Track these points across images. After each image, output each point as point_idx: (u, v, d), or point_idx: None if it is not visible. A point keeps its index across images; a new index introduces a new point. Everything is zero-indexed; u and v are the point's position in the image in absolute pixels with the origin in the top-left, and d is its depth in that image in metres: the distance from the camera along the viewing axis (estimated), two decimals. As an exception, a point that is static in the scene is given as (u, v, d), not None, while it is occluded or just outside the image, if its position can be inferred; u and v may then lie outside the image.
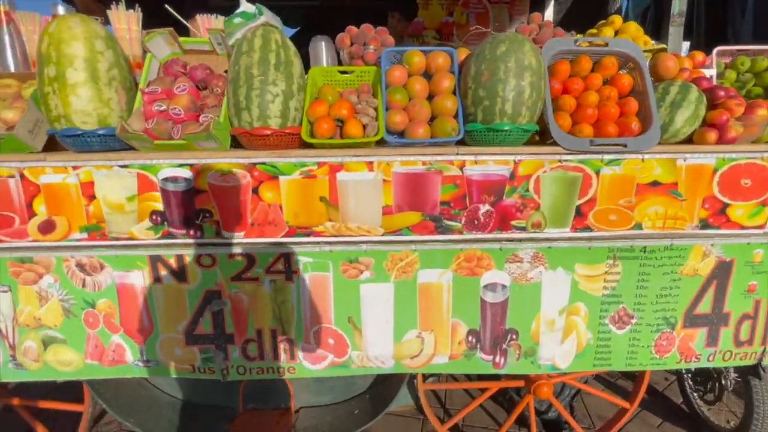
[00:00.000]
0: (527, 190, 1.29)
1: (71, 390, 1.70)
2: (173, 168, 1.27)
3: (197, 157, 1.26)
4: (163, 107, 1.29)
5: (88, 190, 1.29)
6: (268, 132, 1.20)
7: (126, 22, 1.46)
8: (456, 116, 1.30)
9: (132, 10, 1.47)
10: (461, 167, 1.26)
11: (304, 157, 1.25)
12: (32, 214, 1.31)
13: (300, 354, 1.42)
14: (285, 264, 1.34)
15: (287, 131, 1.22)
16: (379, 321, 1.38)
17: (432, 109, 1.30)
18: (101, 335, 1.41)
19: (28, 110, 1.28)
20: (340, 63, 1.57)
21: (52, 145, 1.34)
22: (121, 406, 1.64)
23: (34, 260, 1.34)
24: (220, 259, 1.34)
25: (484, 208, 1.29)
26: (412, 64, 1.33)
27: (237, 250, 1.32)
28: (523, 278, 1.35)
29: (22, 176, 1.28)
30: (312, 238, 1.32)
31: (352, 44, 1.46)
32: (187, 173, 1.27)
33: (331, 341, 1.40)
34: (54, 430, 1.81)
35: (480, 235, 1.32)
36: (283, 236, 1.32)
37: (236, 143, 1.33)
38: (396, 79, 1.33)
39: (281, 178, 1.26)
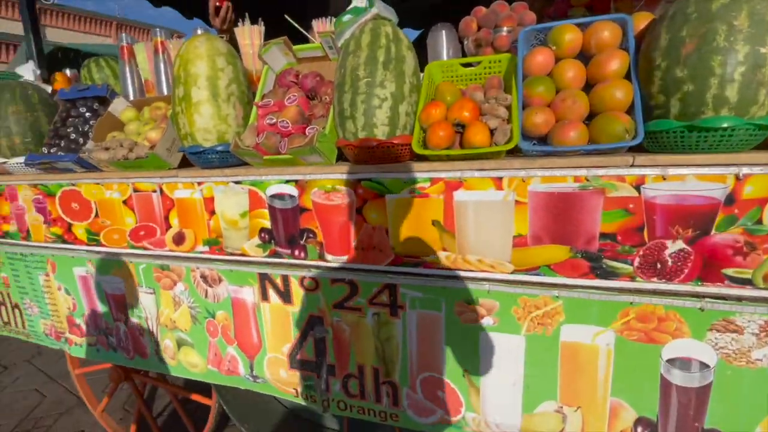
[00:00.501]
0: (758, 222, 0.81)
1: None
2: (280, 184, 1.19)
3: (302, 173, 1.16)
4: (273, 120, 1.23)
5: (209, 206, 1.32)
6: (373, 143, 1.02)
7: (249, 37, 1.47)
8: (630, 111, 0.90)
9: (255, 25, 1.48)
10: (637, 185, 0.86)
11: (414, 171, 1.03)
12: (168, 226, 1.41)
13: (404, 401, 1.21)
14: (390, 296, 1.14)
15: (394, 141, 1.02)
16: (504, 381, 1.07)
17: (591, 103, 0.93)
18: (219, 345, 1.45)
19: (167, 130, 1.38)
20: (464, 55, 1.30)
21: (187, 161, 1.43)
22: (239, 409, 1.71)
23: (170, 268, 1.45)
24: (323, 283, 1.22)
25: (674, 245, 0.86)
26: (562, 43, 0.98)
27: (339, 275, 1.19)
28: (742, 358, 0.87)
29: (161, 191, 1.39)
30: (422, 270, 1.09)
31: (479, 29, 1.18)
32: (292, 190, 1.18)
33: (441, 394, 1.15)
34: (194, 417, 2.01)
35: (666, 286, 0.89)
36: (388, 264, 1.12)
37: (343, 157, 1.19)
38: (538, 66, 1.00)
39: (387, 197, 1.07)
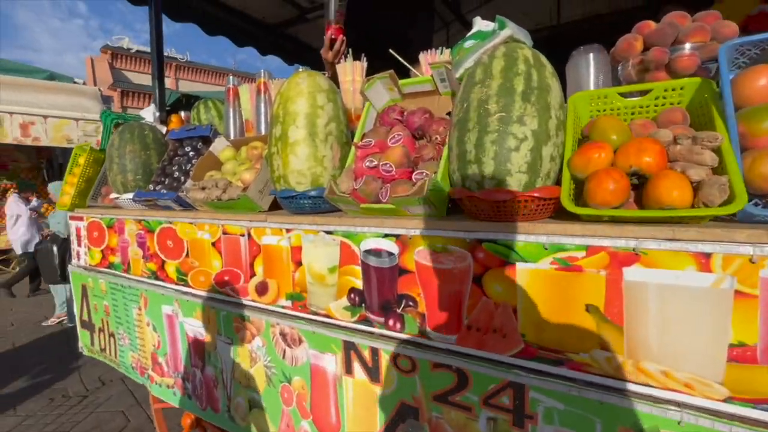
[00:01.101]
0: None
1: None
2: (377, 238, 1.00)
3: (405, 227, 0.95)
4: (374, 163, 1.06)
5: (296, 256, 1.17)
6: (508, 196, 0.77)
7: (351, 73, 1.36)
8: None
9: (357, 61, 1.37)
10: None
11: (562, 235, 0.75)
12: (252, 273, 1.30)
13: None
14: (514, 399, 0.84)
15: (537, 194, 0.76)
16: None
17: None
18: (293, 416, 1.25)
19: (261, 171, 1.29)
20: (617, 84, 1.01)
21: (279, 205, 1.33)
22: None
23: (250, 319, 1.32)
24: (421, 365, 0.96)
25: None
26: (806, 58, 0.65)
27: (444, 359, 0.92)
28: None
29: (249, 235, 1.29)
30: (566, 371, 0.78)
31: (646, 49, 0.89)
32: (392, 246, 0.98)
33: None
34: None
35: None
36: (514, 355, 0.83)
37: (456, 208, 0.96)
38: (760, 91, 0.68)
39: (520, 265, 0.80)
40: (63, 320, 4.15)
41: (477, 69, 0.86)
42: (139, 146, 1.72)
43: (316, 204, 1.14)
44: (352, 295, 1.07)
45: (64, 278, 3.55)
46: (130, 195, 1.66)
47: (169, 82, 20.68)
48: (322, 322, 1.14)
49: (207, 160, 1.56)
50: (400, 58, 1.32)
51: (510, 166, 0.77)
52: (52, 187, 3.67)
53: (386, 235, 0.98)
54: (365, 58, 1.39)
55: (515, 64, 0.82)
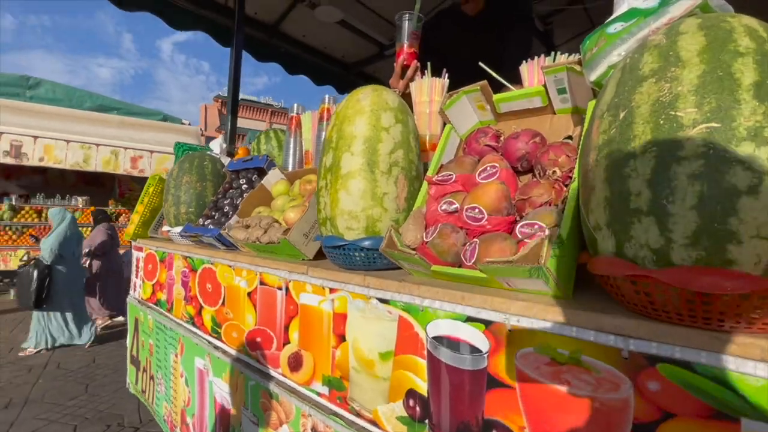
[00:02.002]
0: None
1: None
2: (455, 321, 0.65)
3: (502, 309, 0.59)
4: (454, 206, 0.73)
5: (339, 326, 0.86)
6: (734, 284, 0.38)
7: (428, 93, 1.08)
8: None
9: (437, 78, 1.09)
10: None
11: None
12: (286, 340, 1.01)
13: None
14: None
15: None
16: None
17: None
18: None
19: (309, 210, 1.04)
20: None
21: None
22: None
23: (279, 399, 1.02)
24: None
25: None
26: None
27: None
28: None
29: (287, 290, 1.02)
30: None
31: None
32: (477, 338, 0.62)
33: None
34: None
35: None
36: None
37: (591, 285, 0.58)
38: None
39: (748, 426, 0.39)
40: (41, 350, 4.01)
41: (644, 55, 0.51)
42: (196, 177, 1.61)
43: (371, 258, 0.83)
44: (411, 401, 0.71)
45: (37, 305, 3.56)
46: (179, 229, 1.53)
47: (264, 125, 23.06)
48: (365, 429, 0.79)
49: (257, 194, 1.37)
50: (492, 73, 1.01)
51: (736, 223, 0.39)
52: (51, 214, 3.84)
53: (470, 319, 0.63)
54: (447, 75, 1.10)
55: (731, 39, 0.45)
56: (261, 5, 3.13)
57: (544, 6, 3.01)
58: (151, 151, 6.17)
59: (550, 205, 0.65)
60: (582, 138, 0.63)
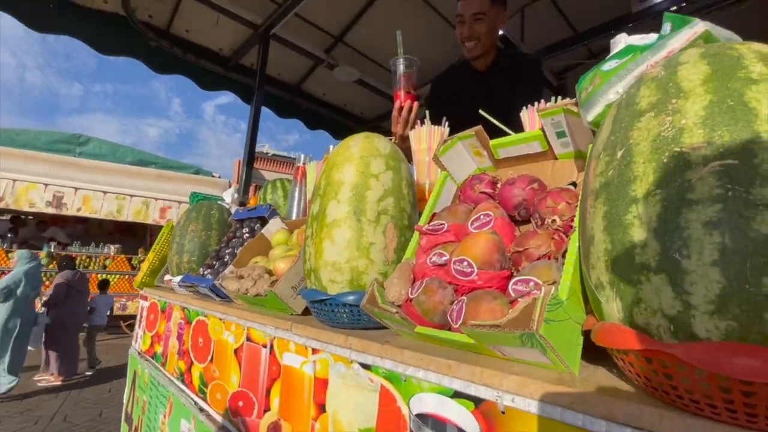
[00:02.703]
0: None
1: None
2: (440, 395, 0.54)
3: (493, 385, 0.49)
4: (444, 258, 0.65)
5: (320, 393, 0.76)
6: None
7: (427, 140, 1.05)
8: None
9: (437, 126, 1.07)
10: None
11: None
12: (267, 406, 0.91)
13: None
14: None
15: None
16: None
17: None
18: None
19: (299, 260, 0.98)
20: None
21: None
22: None
23: (256, 477, 0.89)
24: None
25: None
26: None
27: None
28: None
29: (271, 348, 0.93)
30: None
31: None
32: (467, 419, 0.51)
33: None
34: None
35: None
36: None
37: (596, 353, 0.48)
38: None
39: None
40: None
41: (640, 89, 0.45)
42: (202, 226, 1.60)
43: (356, 315, 0.75)
44: (392, 497, 0.58)
45: None
46: (179, 278, 1.50)
47: (291, 178, 24.05)
48: None
49: (257, 243, 1.33)
50: (494, 120, 0.97)
51: (773, 285, 0.30)
52: (19, 254, 3.88)
53: (457, 394, 0.52)
54: (447, 123, 1.07)
55: (740, 66, 0.38)
56: (284, 67, 3.37)
57: (557, 62, 3.07)
58: (180, 202, 6.46)
59: (549, 257, 0.56)
60: (580, 190, 0.56)
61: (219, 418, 1.11)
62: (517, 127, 1.16)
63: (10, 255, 6.40)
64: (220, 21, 2.79)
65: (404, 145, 1.31)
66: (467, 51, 1.53)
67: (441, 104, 1.79)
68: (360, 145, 0.84)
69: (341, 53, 3.27)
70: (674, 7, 2.15)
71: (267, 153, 24.00)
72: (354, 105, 3.82)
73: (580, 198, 0.54)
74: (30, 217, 7.64)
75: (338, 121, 3.86)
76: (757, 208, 0.31)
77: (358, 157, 0.82)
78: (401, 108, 1.30)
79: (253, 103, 2.85)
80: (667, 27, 0.52)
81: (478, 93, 1.67)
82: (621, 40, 0.63)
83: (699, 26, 0.47)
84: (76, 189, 5.93)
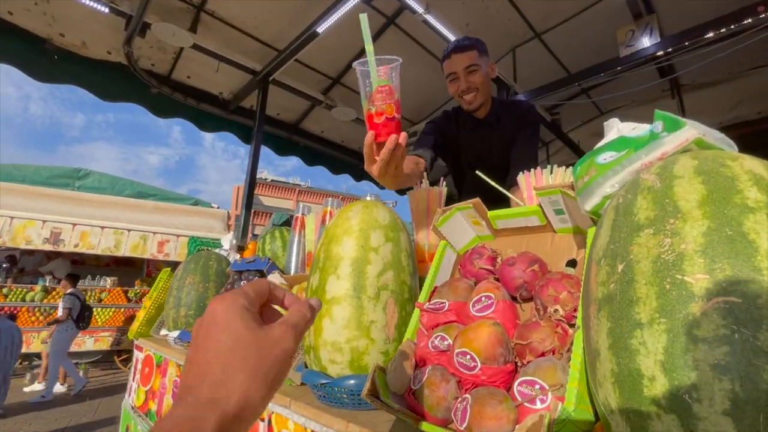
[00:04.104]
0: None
1: None
2: (447, 503, 0.52)
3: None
4: (446, 342, 0.65)
5: (321, 481, 0.72)
6: None
7: (425, 201, 1.06)
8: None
9: (435, 186, 1.08)
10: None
11: None
12: (265, 487, 0.87)
13: None
14: None
15: None
16: None
17: None
18: None
19: (297, 329, 0.96)
20: None
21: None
22: None
23: None
24: None
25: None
26: None
27: None
28: None
29: (269, 422, 0.90)
30: None
31: None
32: None
33: None
34: None
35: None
36: None
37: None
38: None
39: None
40: None
41: (637, 198, 0.45)
42: (200, 278, 1.59)
43: (358, 398, 0.73)
44: None
45: None
46: (176, 334, 1.47)
47: (291, 204, 24.27)
48: None
49: (255, 300, 1.31)
50: (490, 182, 0.98)
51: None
52: None
53: (464, 505, 0.50)
54: (444, 183, 1.09)
55: (735, 189, 0.39)
56: (283, 108, 3.44)
57: (550, 100, 3.15)
58: (178, 235, 6.43)
59: (553, 353, 0.55)
60: (582, 277, 0.56)
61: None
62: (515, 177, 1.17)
63: (4, 291, 6.31)
64: (220, 68, 2.87)
65: (396, 180, 0.88)
66: (467, 103, 1.55)
67: (439, 139, 1.77)
68: (359, 216, 0.85)
69: (339, 94, 3.36)
70: (660, 52, 2.24)
71: (266, 179, 24.28)
72: (351, 141, 3.89)
73: (582, 294, 0.53)
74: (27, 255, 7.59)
75: (336, 157, 3.92)
76: (766, 356, 0.31)
77: (358, 230, 0.82)
78: (377, 143, 0.79)
79: (252, 144, 2.90)
80: (658, 125, 0.53)
81: (479, 141, 1.69)
82: (613, 126, 0.65)
83: (691, 132, 0.48)
84: (74, 225, 5.92)
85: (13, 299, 6.30)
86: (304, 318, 0.37)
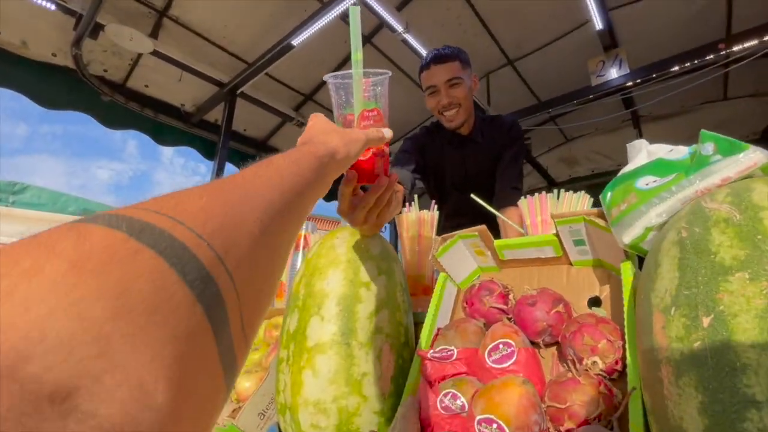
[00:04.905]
0: None
1: None
2: None
3: None
4: (459, 401, 0.53)
5: None
6: None
7: (417, 227, 0.95)
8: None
9: (426, 210, 0.98)
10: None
11: None
12: None
13: None
14: None
15: None
16: None
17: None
18: None
19: (266, 381, 0.81)
20: None
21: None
22: None
23: None
24: None
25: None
26: None
27: None
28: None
29: (230, 499, 0.73)
30: None
31: None
32: None
33: None
34: None
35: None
36: None
37: None
38: None
39: None
40: None
41: (711, 232, 0.37)
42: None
43: (345, 470, 0.59)
44: None
45: None
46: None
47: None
48: None
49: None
50: (487, 207, 0.90)
51: None
52: None
53: None
54: (435, 207, 0.99)
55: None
56: (250, 123, 3.28)
57: (522, 124, 3.22)
58: (128, 257, 5.94)
59: (599, 419, 0.45)
60: (626, 323, 0.47)
61: None
62: (502, 196, 1.06)
63: None
64: (183, 78, 2.68)
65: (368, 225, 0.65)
66: (448, 120, 1.45)
67: (420, 158, 1.67)
68: (346, 244, 0.72)
69: (311, 110, 3.25)
70: (629, 83, 2.35)
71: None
72: (322, 160, 3.76)
73: (630, 348, 0.44)
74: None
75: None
76: None
77: (345, 260, 0.70)
78: (357, 185, 0.59)
79: (215, 160, 2.70)
80: (709, 147, 0.46)
81: (464, 159, 1.61)
82: (641, 147, 0.58)
83: (758, 156, 0.41)
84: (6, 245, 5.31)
85: None
86: (375, 131, 0.53)
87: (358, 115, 0.56)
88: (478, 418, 0.48)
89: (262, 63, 2.48)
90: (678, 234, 0.41)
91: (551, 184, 3.98)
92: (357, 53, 0.56)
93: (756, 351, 0.30)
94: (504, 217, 0.97)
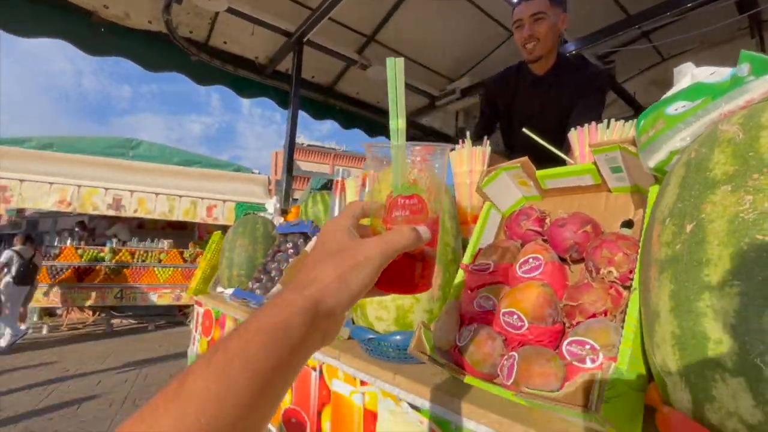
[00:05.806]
0: None
1: None
2: (493, 451, 0.54)
3: (549, 453, 0.48)
4: (491, 302, 0.65)
5: (370, 425, 0.78)
6: None
7: (468, 162, 1.03)
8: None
9: (478, 146, 1.04)
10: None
11: None
12: (319, 428, 0.95)
13: None
14: None
15: None
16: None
17: None
18: None
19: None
20: None
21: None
22: None
23: (310, 494, 0.95)
24: None
25: None
26: None
27: None
28: None
29: (320, 372, 0.97)
30: None
31: None
32: (520, 480, 0.51)
33: None
34: None
35: None
36: None
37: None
38: None
39: None
40: None
41: (714, 152, 0.41)
42: (248, 240, 1.68)
43: (404, 354, 0.76)
44: None
45: None
46: (230, 291, 1.58)
47: (327, 168, 24.60)
48: None
49: (301, 261, 1.37)
50: (538, 140, 0.93)
51: None
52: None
53: (510, 454, 0.52)
54: (488, 142, 1.04)
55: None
56: (317, 69, 3.39)
57: (602, 47, 2.87)
58: (224, 200, 6.78)
59: (605, 315, 0.54)
60: (642, 238, 0.53)
61: (273, 430, 1.17)
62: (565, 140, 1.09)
63: (79, 251, 7.05)
64: (255, 31, 2.85)
65: None
66: (527, 53, 1.48)
67: (492, 111, 1.73)
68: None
69: (373, 52, 3.25)
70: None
71: (302, 144, 24.67)
72: (387, 102, 3.79)
73: (639, 257, 0.51)
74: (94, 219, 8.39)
75: (373, 120, 3.86)
76: None
77: (401, 192, 0.82)
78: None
79: (290, 108, 2.91)
80: (744, 68, 0.47)
81: (533, 99, 1.60)
82: (687, 72, 0.58)
83: (781, 76, 0.42)
84: (132, 192, 6.40)
85: (86, 259, 7.02)
86: (403, 236, 0.36)
87: (389, 204, 0.40)
88: (503, 311, 0.60)
89: (325, 7, 2.52)
90: (689, 155, 0.46)
91: (638, 112, 3.55)
92: (398, 120, 0.41)
93: (719, 248, 0.37)
94: (561, 154, 0.99)
